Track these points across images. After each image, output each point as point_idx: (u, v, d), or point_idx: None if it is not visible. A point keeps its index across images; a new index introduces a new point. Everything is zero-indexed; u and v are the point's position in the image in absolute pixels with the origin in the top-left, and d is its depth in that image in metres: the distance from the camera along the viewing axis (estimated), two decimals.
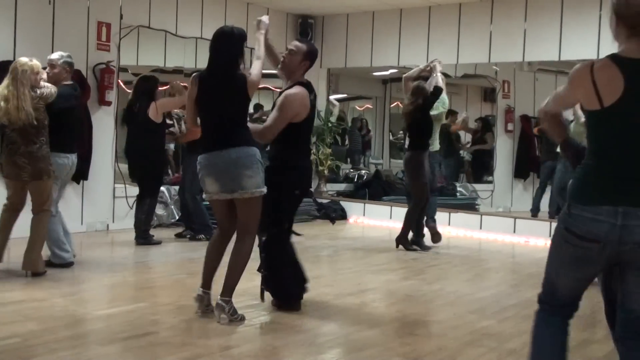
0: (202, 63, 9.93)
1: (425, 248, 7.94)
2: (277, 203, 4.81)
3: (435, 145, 8.29)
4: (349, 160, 13.13)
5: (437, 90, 7.79)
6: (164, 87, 8.37)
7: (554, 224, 9.96)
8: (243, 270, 4.64)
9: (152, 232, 7.84)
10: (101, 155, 8.43)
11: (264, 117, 7.82)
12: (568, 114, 8.07)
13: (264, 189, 4.60)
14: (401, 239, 7.93)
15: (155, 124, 7.44)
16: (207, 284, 4.75)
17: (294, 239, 5.10)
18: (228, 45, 4.61)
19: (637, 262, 2.69)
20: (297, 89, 4.87)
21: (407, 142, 8.07)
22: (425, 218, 8.09)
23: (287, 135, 4.85)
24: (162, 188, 9.15)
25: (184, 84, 6.91)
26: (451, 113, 10.56)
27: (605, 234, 2.65)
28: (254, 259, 4.85)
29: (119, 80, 8.76)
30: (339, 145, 11.94)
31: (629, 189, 2.65)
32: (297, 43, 5.01)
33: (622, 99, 2.61)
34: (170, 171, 10.48)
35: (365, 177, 11.88)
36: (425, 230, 8.10)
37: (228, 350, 4.06)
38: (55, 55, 6.25)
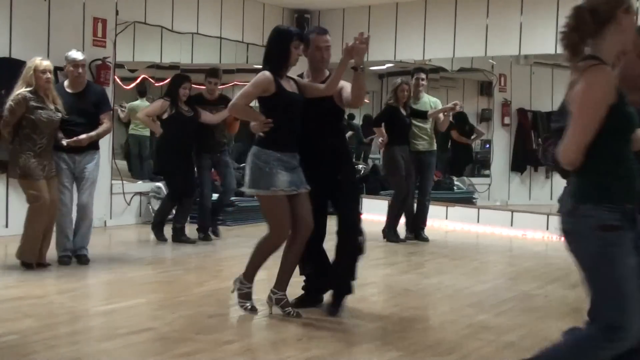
0: (199, 59, 10.09)
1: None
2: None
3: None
4: None
5: (421, 115, 8.02)
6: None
7: (552, 218, 9.90)
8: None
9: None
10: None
11: None
12: None
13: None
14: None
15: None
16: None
17: None
18: None
19: None
20: None
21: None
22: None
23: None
24: (159, 184, 9.17)
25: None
26: None
27: None
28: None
29: (115, 77, 8.74)
30: None
31: None
32: (328, 37, 4.97)
33: None
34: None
35: (362, 171, 11.88)
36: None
37: (227, 345, 4.06)
38: (80, 55, 6.22)
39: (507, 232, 9.17)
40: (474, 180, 11.50)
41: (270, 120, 4.56)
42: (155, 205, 9.03)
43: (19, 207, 7.63)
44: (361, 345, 4.19)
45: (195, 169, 7.66)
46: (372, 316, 4.85)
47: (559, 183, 11.33)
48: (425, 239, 8.14)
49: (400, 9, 10.25)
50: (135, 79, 9.87)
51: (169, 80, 7.98)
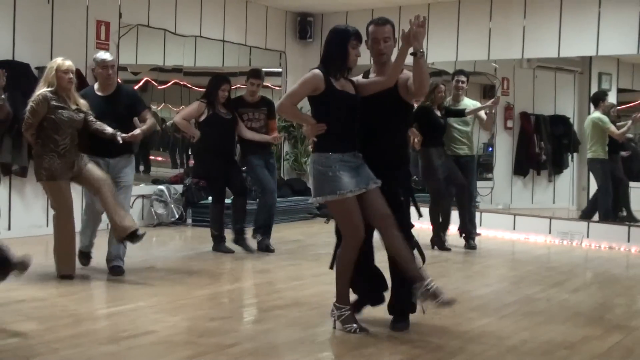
0: (201, 61, 10.10)
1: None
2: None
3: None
4: None
5: (459, 113, 7.92)
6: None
7: (554, 222, 9.89)
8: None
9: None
10: None
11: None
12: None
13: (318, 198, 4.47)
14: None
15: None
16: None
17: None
18: None
19: None
20: None
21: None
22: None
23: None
24: (161, 187, 9.18)
25: None
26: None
27: None
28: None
29: (118, 79, 8.73)
30: None
31: None
32: (387, 28, 4.66)
33: None
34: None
35: None
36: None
37: (229, 348, 4.06)
38: (109, 56, 6.11)
39: (509, 236, 9.16)
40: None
41: (323, 125, 4.37)
42: (158, 208, 9.05)
43: (21, 210, 7.68)
44: (362, 349, 4.18)
45: (248, 169, 7.40)
46: (374, 320, 4.83)
47: (562, 187, 11.37)
48: (473, 247, 8.03)
49: (403, 13, 10.24)
50: (139, 81, 9.89)
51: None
